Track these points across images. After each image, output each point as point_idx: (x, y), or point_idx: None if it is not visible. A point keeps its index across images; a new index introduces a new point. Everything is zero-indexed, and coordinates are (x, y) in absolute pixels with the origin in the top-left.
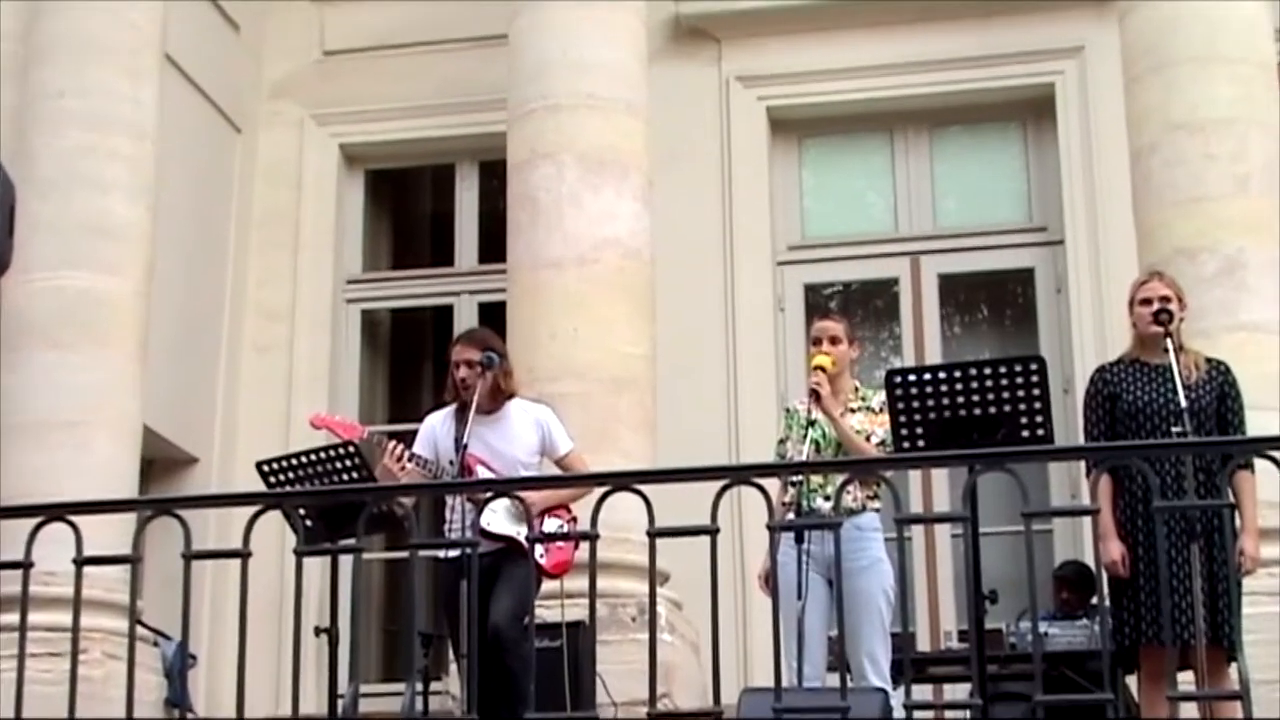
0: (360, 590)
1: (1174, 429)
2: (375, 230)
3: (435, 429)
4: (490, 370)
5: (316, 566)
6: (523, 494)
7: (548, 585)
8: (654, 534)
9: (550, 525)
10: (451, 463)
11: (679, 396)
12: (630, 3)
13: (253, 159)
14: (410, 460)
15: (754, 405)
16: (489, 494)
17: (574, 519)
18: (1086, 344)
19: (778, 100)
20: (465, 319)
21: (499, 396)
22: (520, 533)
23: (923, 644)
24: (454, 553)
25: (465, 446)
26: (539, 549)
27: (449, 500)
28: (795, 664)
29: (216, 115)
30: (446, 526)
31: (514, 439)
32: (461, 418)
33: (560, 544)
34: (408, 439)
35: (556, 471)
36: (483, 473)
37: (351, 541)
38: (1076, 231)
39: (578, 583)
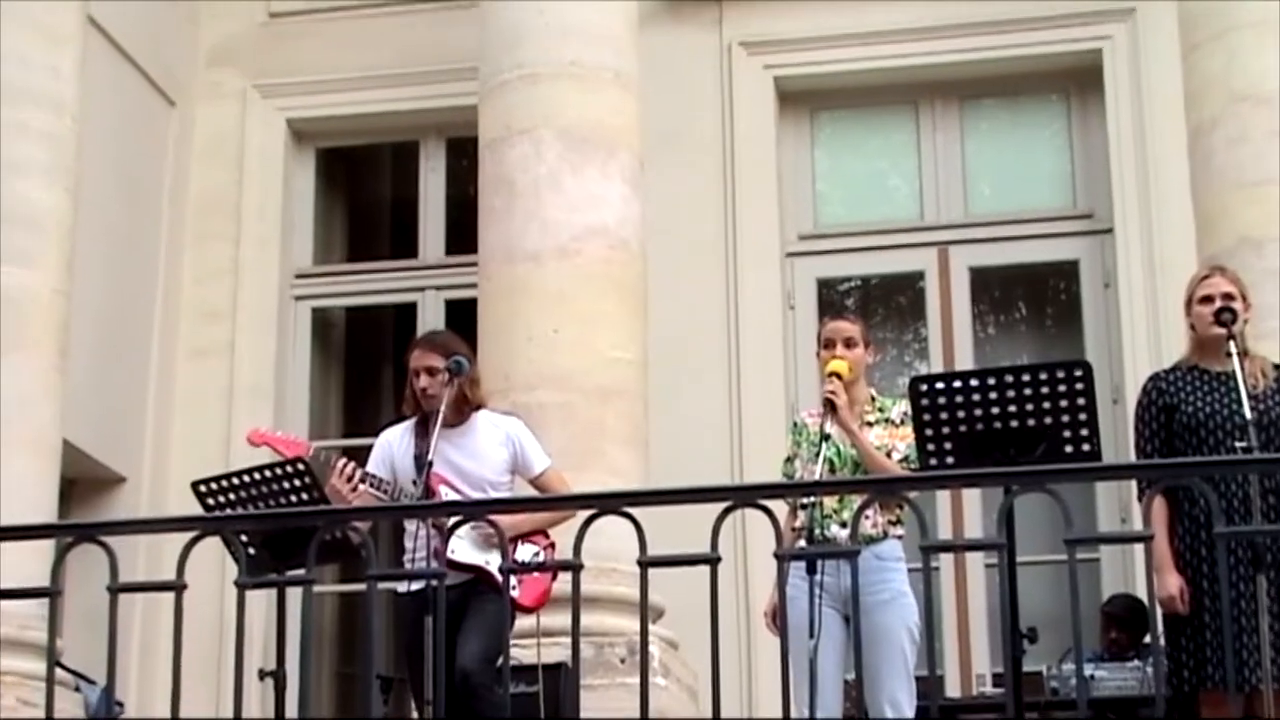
0: (311, 628)
1: (1238, 444)
2: (328, 218)
3: (392, 446)
4: (458, 377)
5: (261, 601)
6: (495, 518)
7: (523, 622)
8: (646, 563)
9: (525, 553)
10: (415, 483)
11: (674, 407)
12: None
13: (188, 136)
14: (364, 481)
15: (760, 417)
16: (457, 519)
17: (552, 545)
18: (1138, 347)
19: (787, 69)
20: (431, 319)
21: (465, 408)
22: (490, 562)
23: (952, 689)
24: (416, 585)
25: (430, 464)
26: (512, 580)
27: (408, 526)
28: (807, 712)
29: (147, 86)
30: (407, 556)
31: (481, 456)
32: (423, 432)
33: (537, 574)
34: (364, 457)
35: (531, 492)
36: (447, 494)
37: (301, 572)
38: (1127, 219)
39: (558, 619)
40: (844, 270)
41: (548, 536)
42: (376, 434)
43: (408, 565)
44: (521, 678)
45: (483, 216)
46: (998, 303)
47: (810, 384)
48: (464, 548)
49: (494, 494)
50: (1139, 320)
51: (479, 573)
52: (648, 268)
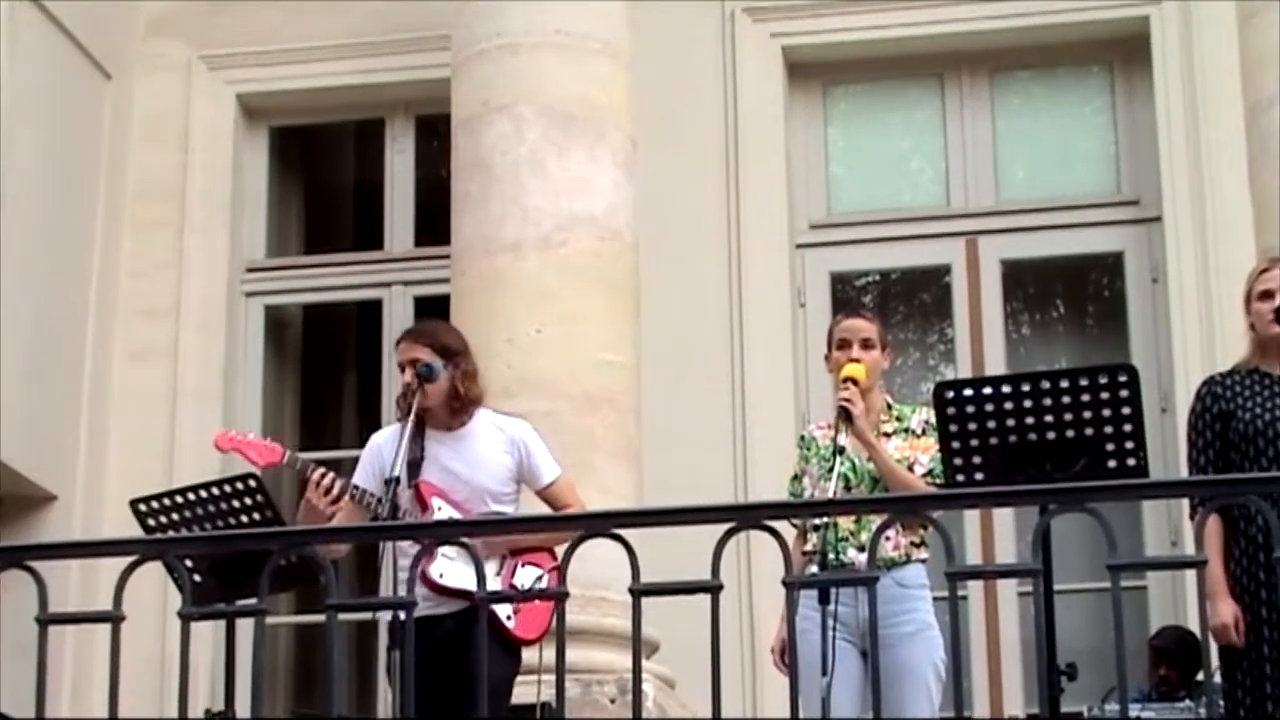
0: (263, 664)
1: None
2: (283, 205)
3: (382, 451)
4: (429, 382)
5: (208, 633)
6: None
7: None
8: (638, 591)
9: (526, 576)
10: (380, 500)
11: (670, 417)
12: None
13: (126, 113)
14: (348, 495)
15: (766, 428)
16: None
17: (558, 568)
18: (1190, 349)
19: (796, 38)
20: (398, 317)
21: (462, 407)
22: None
23: None
24: (426, 608)
25: (396, 480)
26: (505, 608)
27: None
28: None
29: (79, 57)
30: (385, 577)
31: (480, 462)
32: (419, 435)
33: (537, 600)
34: (334, 470)
35: (540, 506)
36: (441, 507)
37: (252, 602)
38: (1177, 206)
39: (530, 655)
40: (860, 263)
41: (554, 556)
42: (338, 445)
43: (384, 588)
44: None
45: (456, 203)
46: (1033, 300)
47: (823, 390)
48: (456, 570)
49: (496, 507)
50: (1191, 319)
51: (472, 600)
52: (641, 261)
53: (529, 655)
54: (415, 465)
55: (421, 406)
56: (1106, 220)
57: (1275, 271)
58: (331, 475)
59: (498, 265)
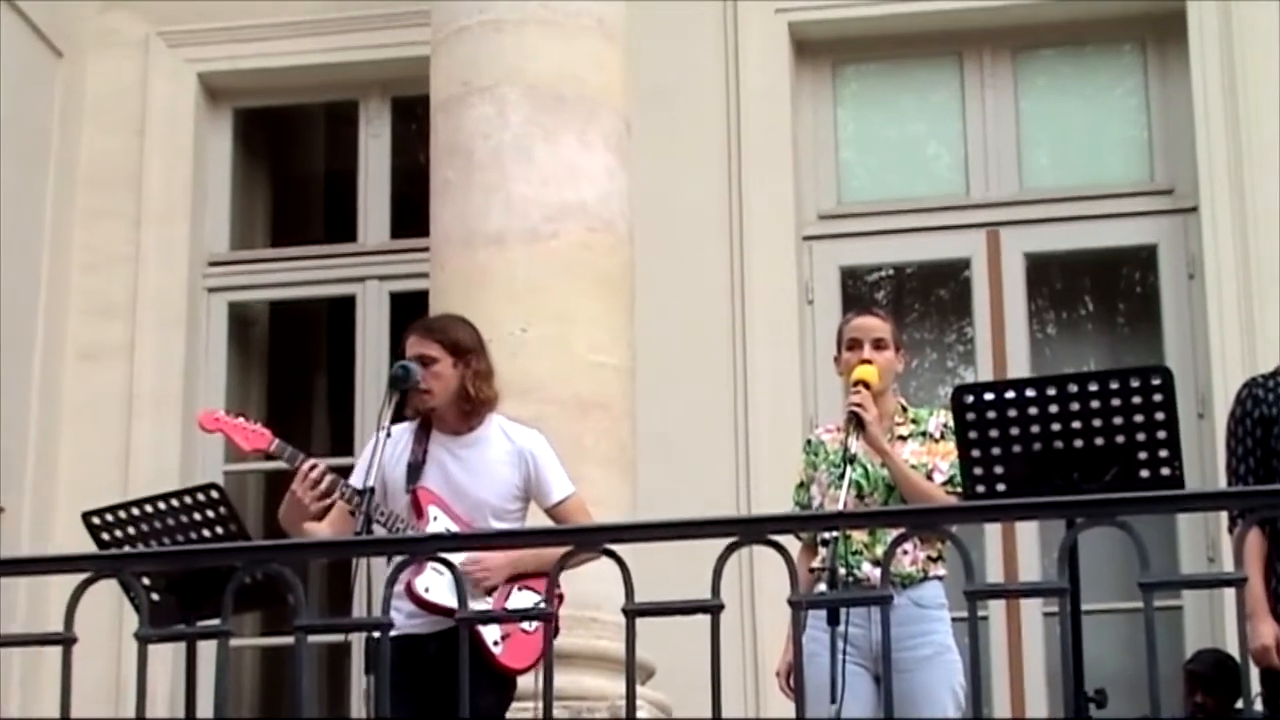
0: (227, 689)
1: None
2: (248, 193)
3: (385, 446)
4: (404, 387)
5: (167, 656)
6: (478, 555)
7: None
8: (633, 611)
9: (523, 601)
10: (354, 512)
11: (667, 422)
12: None
13: (78, 93)
14: (338, 492)
15: (771, 434)
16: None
17: (560, 597)
18: (1229, 349)
19: (804, 13)
20: (372, 314)
21: (473, 410)
22: (475, 606)
23: None
24: (410, 625)
25: (371, 490)
26: (493, 633)
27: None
28: None
29: (28, 32)
30: (364, 590)
31: (485, 474)
32: (425, 437)
33: (527, 627)
34: (289, 482)
35: (547, 523)
36: (437, 518)
37: (215, 622)
38: (1215, 195)
39: (528, 678)
40: (872, 257)
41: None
42: (309, 451)
43: (357, 605)
44: None
45: (435, 192)
46: (1059, 296)
47: (832, 393)
48: (442, 586)
49: (496, 524)
50: (1230, 317)
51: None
52: (636, 254)
53: (525, 682)
54: (415, 469)
55: (424, 408)
56: (1139, 211)
57: None
58: (322, 467)
59: (480, 259)
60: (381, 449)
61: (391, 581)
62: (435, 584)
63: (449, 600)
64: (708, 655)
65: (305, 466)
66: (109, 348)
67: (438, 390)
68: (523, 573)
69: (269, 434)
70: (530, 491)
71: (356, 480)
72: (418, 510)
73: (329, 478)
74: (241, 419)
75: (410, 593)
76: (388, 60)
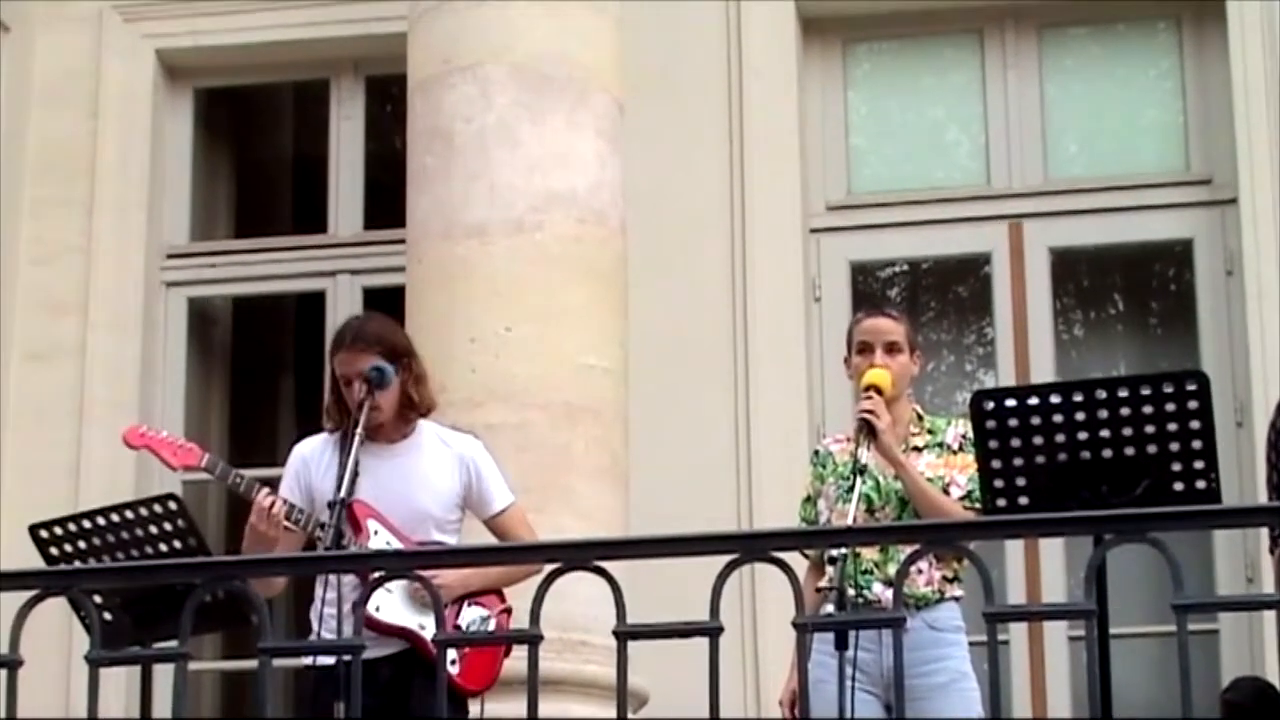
0: (186, 713)
1: None
2: (210, 180)
3: (309, 464)
4: (380, 389)
5: (120, 680)
6: (434, 573)
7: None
8: (625, 634)
9: (472, 616)
10: (324, 525)
11: (663, 430)
12: None
13: (26, 72)
14: (293, 517)
15: (775, 443)
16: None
17: (508, 610)
18: (1270, 353)
19: None
20: (344, 311)
21: (408, 415)
22: (426, 626)
23: None
24: (330, 659)
25: (342, 502)
26: (449, 653)
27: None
28: None
29: None
30: (317, 611)
31: (423, 483)
32: (349, 446)
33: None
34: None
35: (485, 534)
36: (375, 532)
37: (173, 644)
38: (1255, 186)
39: (509, 706)
40: (885, 251)
41: (503, 598)
42: (273, 459)
43: (316, 621)
44: None
45: (412, 179)
46: (1087, 295)
47: (841, 399)
48: (393, 604)
49: (439, 535)
50: (1270, 318)
51: (414, 641)
52: (629, 248)
53: (492, 708)
54: (342, 480)
55: (374, 422)
56: (1173, 202)
57: None
58: (278, 498)
59: (460, 252)
60: (355, 457)
61: (366, 598)
62: (386, 603)
63: (403, 620)
64: (705, 682)
65: (265, 502)
66: (59, 347)
67: (386, 404)
68: (470, 591)
69: (198, 449)
70: (469, 501)
71: (285, 495)
72: (355, 525)
73: (281, 504)
74: (168, 434)
75: (357, 610)
76: (361, 36)
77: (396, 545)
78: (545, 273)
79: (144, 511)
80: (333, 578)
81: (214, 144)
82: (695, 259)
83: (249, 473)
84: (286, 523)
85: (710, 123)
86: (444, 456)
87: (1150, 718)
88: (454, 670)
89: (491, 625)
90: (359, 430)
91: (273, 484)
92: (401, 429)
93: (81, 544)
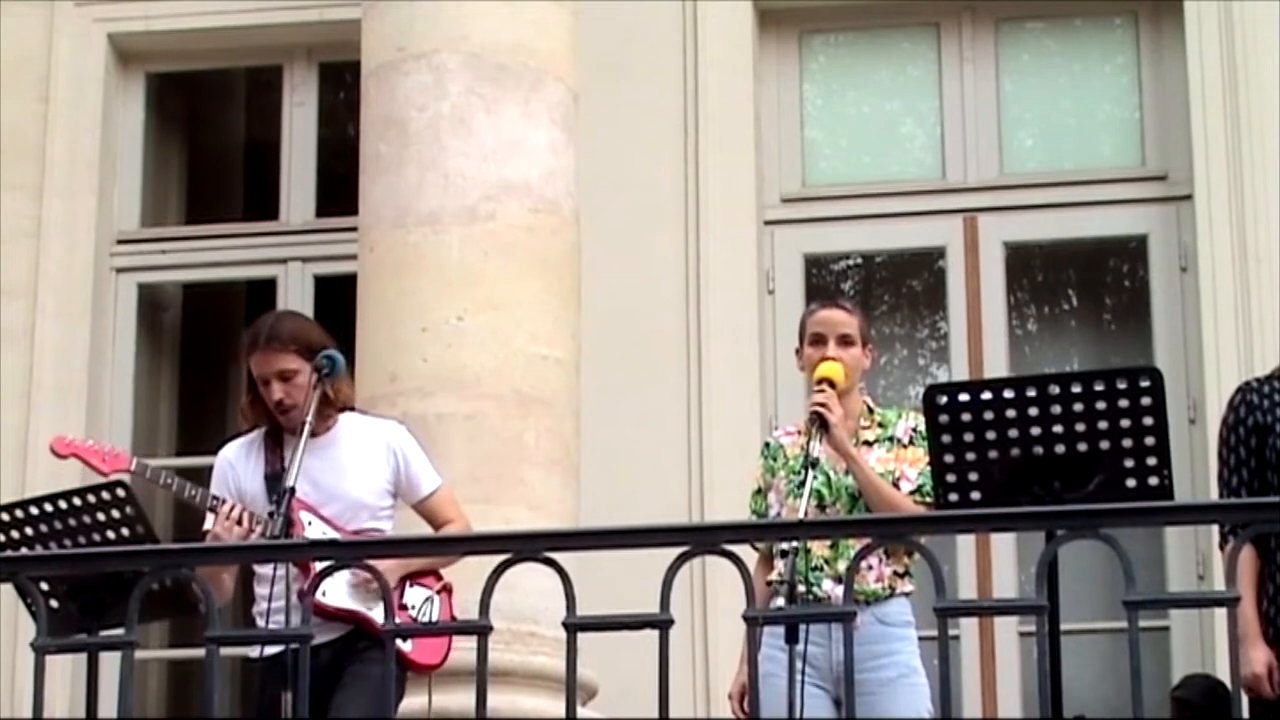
0: (131, 703)
1: None
2: (162, 165)
3: (235, 467)
4: (330, 379)
5: (65, 668)
6: (377, 562)
7: (414, 699)
8: (574, 626)
9: (415, 597)
10: (272, 514)
11: (614, 421)
12: None
13: None
14: (248, 519)
15: (727, 435)
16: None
17: (447, 589)
18: (1224, 350)
19: None
20: (295, 299)
21: (329, 411)
22: (373, 608)
23: None
24: (272, 649)
25: (292, 490)
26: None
27: (258, 568)
28: None
29: None
30: (259, 607)
31: (350, 472)
32: (274, 444)
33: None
34: (205, 479)
35: (417, 520)
36: (311, 524)
37: (119, 632)
38: (1211, 183)
39: (457, 697)
40: (839, 244)
41: (439, 576)
42: (218, 448)
43: (259, 619)
44: None
45: (365, 167)
46: (1041, 289)
47: (793, 391)
48: (338, 589)
49: (373, 524)
50: (1225, 314)
51: (359, 622)
52: (582, 238)
53: (440, 700)
54: (275, 479)
55: (294, 423)
56: (1128, 198)
57: None
58: (240, 507)
59: (412, 240)
60: (303, 448)
61: (313, 589)
62: (331, 588)
63: (349, 603)
64: (655, 674)
65: (226, 508)
66: (6, 333)
67: (304, 402)
68: (409, 573)
69: (126, 454)
70: (399, 487)
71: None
72: (293, 525)
73: (243, 512)
74: (93, 442)
75: (306, 599)
76: (315, 23)
77: (333, 535)
78: (497, 262)
79: (91, 499)
80: (280, 569)
81: (166, 129)
82: (649, 250)
83: (197, 461)
84: (255, 530)
85: (665, 113)
86: (370, 445)
87: (1101, 717)
88: (407, 647)
89: (436, 603)
90: (309, 419)
91: (208, 474)
92: (324, 423)
93: (28, 530)
